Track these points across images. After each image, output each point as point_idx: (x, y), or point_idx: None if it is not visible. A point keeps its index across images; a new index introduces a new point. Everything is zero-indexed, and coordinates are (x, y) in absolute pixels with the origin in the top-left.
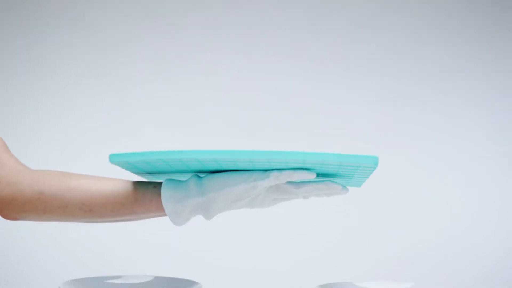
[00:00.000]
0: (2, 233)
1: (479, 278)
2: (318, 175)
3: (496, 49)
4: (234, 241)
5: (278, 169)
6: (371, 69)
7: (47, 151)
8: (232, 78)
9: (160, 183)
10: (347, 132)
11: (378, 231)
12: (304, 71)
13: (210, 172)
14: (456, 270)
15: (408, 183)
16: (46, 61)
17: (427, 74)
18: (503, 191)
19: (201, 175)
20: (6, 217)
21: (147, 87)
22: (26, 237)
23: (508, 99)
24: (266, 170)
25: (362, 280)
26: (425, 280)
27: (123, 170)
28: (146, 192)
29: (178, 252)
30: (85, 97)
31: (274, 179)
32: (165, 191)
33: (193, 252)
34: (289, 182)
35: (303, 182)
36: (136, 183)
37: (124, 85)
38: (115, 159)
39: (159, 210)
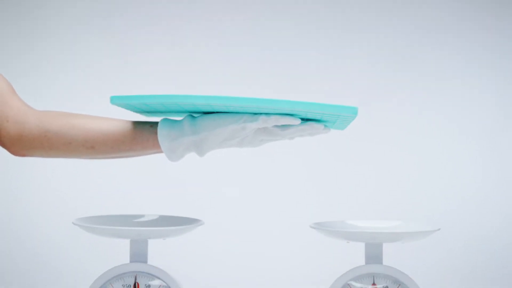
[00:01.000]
0: (17, 172)
1: (468, 213)
2: (302, 119)
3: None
4: (231, 184)
5: (266, 114)
6: (366, 21)
7: (53, 100)
8: (227, 32)
9: (156, 123)
10: (345, 83)
11: (370, 175)
12: (299, 23)
13: (203, 113)
14: (445, 210)
15: (401, 132)
16: (52, 19)
17: (426, 27)
18: (501, 141)
19: (195, 115)
20: (14, 153)
21: (146, 41)
22: (38, 180)
23: (506, 54)
24: (255, 114)
25: (353, 218)
26: (413, 219)
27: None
28: (143, 131)
29: (181, 193)
30: (89, 54)
31: (262, 122)
32: (161, 130)
33: (194, 194)
34: (276, 125)
35: (289, 126)
36: (135, 123)
37: (125, 36)
38: (116, 101)
39: (156, 147)
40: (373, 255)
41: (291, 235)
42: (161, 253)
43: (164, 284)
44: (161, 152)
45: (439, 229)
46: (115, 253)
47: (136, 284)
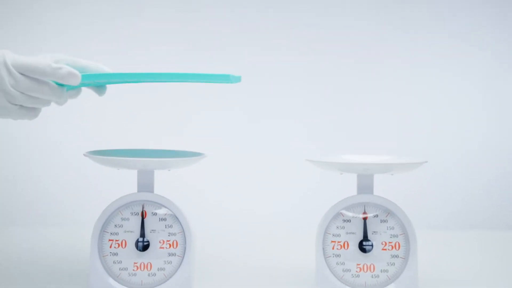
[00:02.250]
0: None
1: (460, 150)
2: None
3: None
4: (231, 122)
5: None
6: None
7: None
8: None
9: None
10: (345, 40)
11: (367, 116)
12: None
13: None
14: (437, 147)
15: (396, 72)
16: None
17: None
18: (500, 80)
19: None
20: None
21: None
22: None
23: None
24: None
25: (346, 153)
26: (404, 154)
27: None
28: None
29: (183, 130)
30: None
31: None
32: None
33: (196, 132)
34: None
35: None
36: None
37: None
38: None
39: None
40: (365, 185)
41: (288, 169)
42: (167, 184)
43: (170, 212)
44: None
45: (426, 161)
46: (123, 184)
47: (144, 212)
